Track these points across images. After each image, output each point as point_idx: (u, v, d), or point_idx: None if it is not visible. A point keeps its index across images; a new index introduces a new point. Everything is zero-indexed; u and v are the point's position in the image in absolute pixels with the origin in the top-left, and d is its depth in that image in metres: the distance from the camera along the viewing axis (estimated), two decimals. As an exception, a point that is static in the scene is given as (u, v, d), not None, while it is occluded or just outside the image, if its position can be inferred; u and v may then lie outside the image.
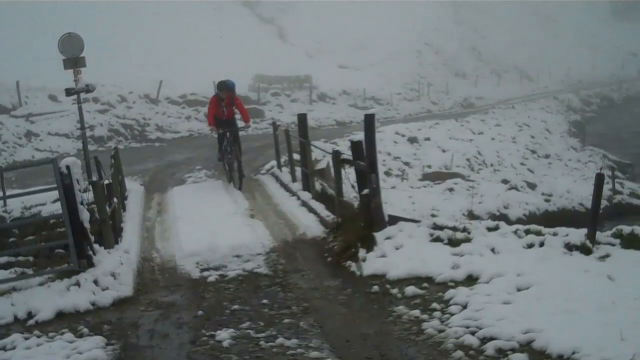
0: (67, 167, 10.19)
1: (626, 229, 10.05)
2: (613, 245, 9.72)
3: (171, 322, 8.71)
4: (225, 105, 17.13)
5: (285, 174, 18.08)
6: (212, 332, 8.14)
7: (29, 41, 37.83)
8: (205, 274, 10.76)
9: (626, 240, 9.77)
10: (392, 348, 7.35)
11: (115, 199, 13.18)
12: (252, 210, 14.98)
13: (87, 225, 10.53)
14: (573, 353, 6.57)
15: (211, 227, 13.22)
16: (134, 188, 18.38)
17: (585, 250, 9.64)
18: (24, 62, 35.58)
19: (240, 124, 18.16)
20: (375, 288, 9.39)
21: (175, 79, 38.20)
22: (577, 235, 9.99)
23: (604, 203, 22.12)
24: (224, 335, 7.98)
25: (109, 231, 11.65)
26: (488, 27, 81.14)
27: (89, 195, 11.77)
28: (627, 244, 9.68)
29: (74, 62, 15.68)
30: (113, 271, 10.18)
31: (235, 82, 17.86)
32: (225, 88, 17.06)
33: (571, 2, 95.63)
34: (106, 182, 13.24)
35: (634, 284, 8.07)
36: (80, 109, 16.61)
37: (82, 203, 10.53)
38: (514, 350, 6.92)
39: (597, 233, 9.92)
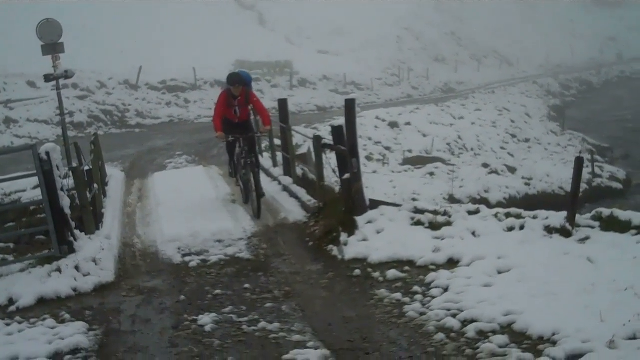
0: (47, 154, 10.14)
1: (605, 211, 10.12)
2: (592, 227, 9.80)
3: (153, 308, 8.70)
4: (238, 105, 13.18)
5: (266, 159, 18.08)
6: (194, 317, 8.14)
7: (6, 27, 37.48)
8: (187, 259, 10.76)
9: (605, 222, 9.85)
10: (374, 331, 7.39)
11: (95, 185, 13.12)
12: (233, 195, 14.96)
13: (67, 211, 10.48)
14: (553, 334, 6.63)
15: (192, 212, 13.24)
16: (114, 174, 18.31)
17: (565, 233, 9.72)
18: (2, 48, 35.29)
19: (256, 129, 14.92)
20: (357, 272, 9.43)
21: (155, 65, 38.05)
22: (557, 218, 10.06)
23: (583, 186, 22.27)
24: (206, 319, 7.98)
25: (89, 217, 11.60)
26: (467, 12, 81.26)
27: (69, 182, 11.72)
28: (606, 226, 9.76)
29: (53, 48, 15.55)
30: (94, 257, 10.15)
31: (249, 74, 14.34)
32: (238, 81, 12.97)
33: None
34: (86, 168, 13.16)
35: (613, 266, 8.14)
36: (59, 95, 16.49)
37: (62, 189, 10.48)
38: (494, 332, 6.97)
39: (577, 216, 9.99)
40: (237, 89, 13.00)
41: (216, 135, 13.05)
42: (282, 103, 15.75)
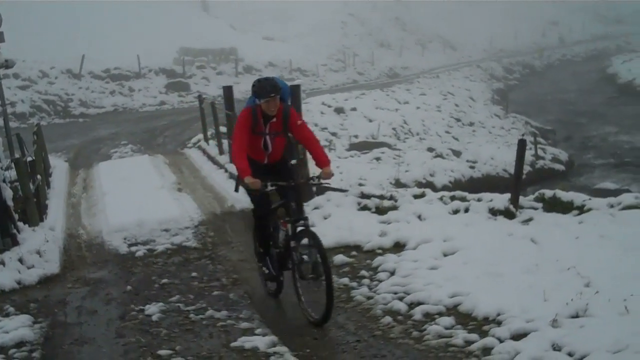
0: (-12, 145, 9.99)
1: (548, 192, 10.31)
2: (535, 209, 9.97)
3: (99, 299, 8.64)
4: (270, 132, 7.69)
5: (212, 147, 18.01)
6: (141, 307, 8.11)
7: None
8: (133, 249, 10.71)
9: (548, 203, 10.03)
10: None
11: (38, 176, 12.95)
12: (179, 184, 14.91)
13: (10, 203, 10.34)
14: (498, 315, 6.75)
15: (138, 201, 13.11)
16: (58, 165, 18.10)
17: (509, 214, 9.88)
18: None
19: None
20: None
21: (98, 53, 37.49)
22: (501, 200, 10.22)
23: (526, 168, 22.52)
24: (154, 309, 7.95)
25: (33, 209, 11.45)
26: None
27: (12, 173, 11.54)
28: (549, 207, 9.95)
29: (-8, 37, 15.24)
30: (38, 249, 10.04)
31: (286, 84, 8.08)
32: (274, 90, 7.45)
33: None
34: (29, 159, 12.98)
35: (556, 246, 8.30)
36: (-1, 85, 16.18)
37: (4, 181, 10.35)
38: (441, 314, 7.08)
39: (520, 198, 10.16)
40: (273, 103, 7.48)
41: (247, 182, 7.33)
42: (228, 90, 15.71)
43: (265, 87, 7.46)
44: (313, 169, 9.34)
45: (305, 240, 7.31)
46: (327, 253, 7.24)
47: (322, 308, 7.06)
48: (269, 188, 7.49)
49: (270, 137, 7.67)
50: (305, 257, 7.28)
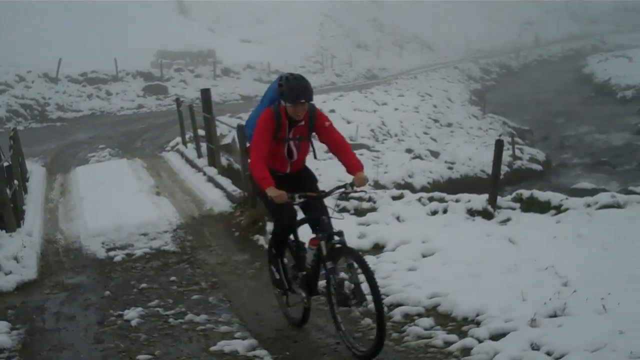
0: (-37, 150, 9.91)
1: (525, 193, 10.40)
2: (513, 209, 10.06)
3: (78, 304, 8.58)
4: (295, 137, 6.78)
5: (190, 150, 17.97)
6: (120, 312, 8.07)
7: None
8: (112, 253, 10.66)
9: (526, 203, 10.12)
10: (302, 319, 7.40)
11: (15, 181, 12.87)
12: (157, 187, 14.86)
13: (-14, 209, 10.27)
14: (477, 315, 6.77)
15: (116, 206, 13.05)
16: (35, 169, 17.98)
17: (487, 215, 9.95)
18: None
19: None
20: (284, 260, 9.44)
21: (75, 57, 37.34)
22: (479, 200, 10.29)
23: (504, 169, 22.67)
24: (133, 314, 7.91)
25: (10, 214, 11.37)
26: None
27: (-12, 178, 11.46)
28: (526, 207, 10.04)
29: (-34, 41, 15.16)
30: (16, 255, 9.97)
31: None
32: (306, 94, 6.41)
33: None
34: (5, 164, 12.90)
35: (534, 246, 8.35)
36: (-26, 89, 16.09)
37: (-20, 186, 10.26)
38: (420, 315, 7.10)
39: (498, 198, 10.24)
40: (302, 108, 6.50)
41: (270, 194, 6.29)
42: (206, 93, 15.66)
43: (295, 90, 6.35)
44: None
45: (344, 260, 6.33)
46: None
47: (370, 339, 6.27)
48: (297, 201, 6.50)
49: (295, 143, 6.77)
50: (345, 279, 6.35)
